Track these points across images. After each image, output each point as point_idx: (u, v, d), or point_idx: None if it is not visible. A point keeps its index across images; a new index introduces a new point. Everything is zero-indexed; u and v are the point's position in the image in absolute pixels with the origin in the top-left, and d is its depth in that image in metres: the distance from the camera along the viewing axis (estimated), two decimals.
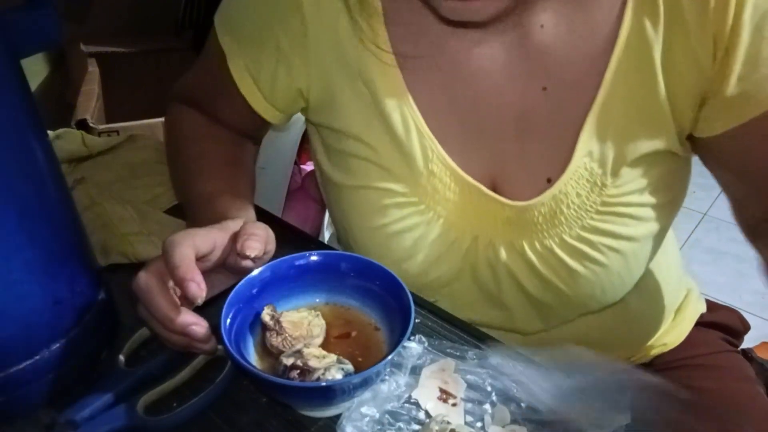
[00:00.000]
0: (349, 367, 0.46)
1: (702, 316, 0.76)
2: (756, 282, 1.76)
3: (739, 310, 0.79)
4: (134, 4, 1.76)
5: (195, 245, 0.48)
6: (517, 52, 0.55)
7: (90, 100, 1.33)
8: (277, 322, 0.49)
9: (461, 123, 0.58)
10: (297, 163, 1.22)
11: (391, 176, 0.59)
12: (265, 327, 0.50)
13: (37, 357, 0.47)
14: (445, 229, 0.59)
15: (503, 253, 0.59)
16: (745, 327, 0.78)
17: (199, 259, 0.49)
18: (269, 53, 0.61)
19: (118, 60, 1.63)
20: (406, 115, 0.57)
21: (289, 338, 0.49)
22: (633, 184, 0.56)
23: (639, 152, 0.54)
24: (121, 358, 0.52)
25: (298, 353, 0.46)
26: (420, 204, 0.59)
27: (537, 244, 0.57)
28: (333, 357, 0.47)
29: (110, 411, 0.47)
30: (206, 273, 0.48)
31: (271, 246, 0.54)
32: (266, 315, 0.50)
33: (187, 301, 0.47)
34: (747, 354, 0.85)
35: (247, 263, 0.51)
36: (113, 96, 1.51)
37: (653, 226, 0.58)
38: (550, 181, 0.56)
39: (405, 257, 0.60)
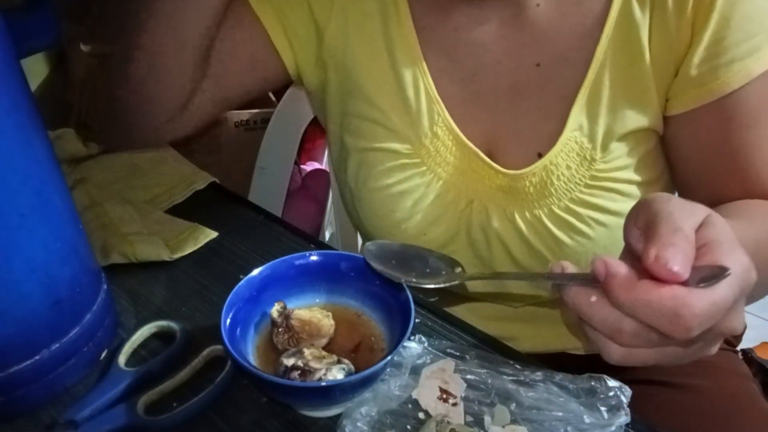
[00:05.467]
0: (350, 367, 0.46)
1: None
2: None
3: None
4: None
5: None
6: (512, 28, 0.59)
7: None
8: (286, 318, 0.49)
9: (463, 91, 0.61)
10: (297, 163, 1.22)
11: (397, 137, 0.63)
12: (273, 323, 0.50)
13: (37, 357, 0.47)
14: (443, 190, 0.62)
15: (495, 220, 0.61)
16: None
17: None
18: (298, 4, 0.64)
19: None
20: (417, 78, 0.61)
21: (296, 336, 0.49)
22: (620, 160, 0.58)
23: (627, 128, 0.57)
24: (121, 358, 0.52)
25: (299, 353, 0.46)
26: (422, 165, 0.62)
27: (527, 213, 0.60)
28: (334, 357, 0.47)
29: (110, 411, 0.47)
30: None
31: None
32: (275, 311, 0.50)
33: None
34: (747, 354, 0.85)
35: None
36: None
37: None
38: (540, 156, 0.59)
39: (405, 217, 0.64)
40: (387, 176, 0.63)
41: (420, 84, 0.61)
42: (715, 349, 0.39)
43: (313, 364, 0.45)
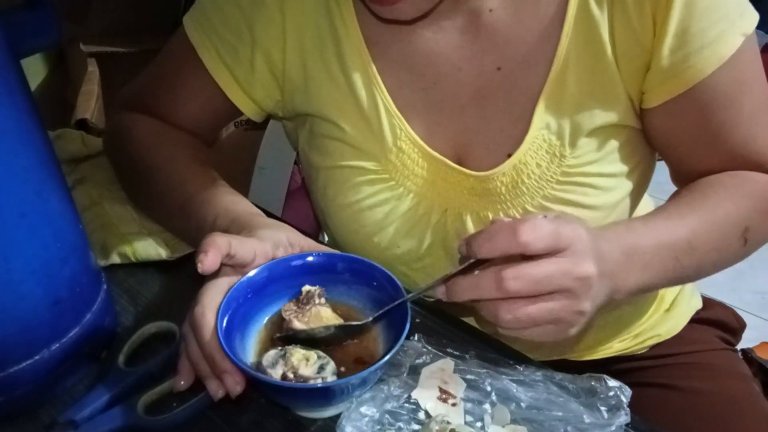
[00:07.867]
0: (330, 360, 0.46)
1: (697, 312, 0.76)
2: (756, 282, 1.77)
3: (739, 310, 0.80)
4: (134, 4, 1.76)
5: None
6: (469, 35, 0.59)
7: (90, 100, 1.33)
8: (312, 305, 0.50)
9: (425, 101, 0.62)
10: (297, 163, 1.22)
11: (363, 155, 0.63)
12: (301, 294, 0.50)
13: (37, 357, 0.47)
14: (414, 203, 0.62)
15: (470, 224, 0.62)
16: (741, 324, 0.78)
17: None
18: (246, 43, 0.64)
19: (118, 60, 1.63)
20: (375, 95, 0.61)
21: (301, 315, 0.49)
22: (591, 155, 0.59)
23: (595, 124, 0.58)
24: (121, 358, 0.52)
25: (283, 358, 0.46)
26: (390, 180, 0.62)
27: (501, 215, 0.61)
28: (312, 353, 0.46)
29: (110, 411, 0.47)
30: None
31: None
32: (316, 293, 0.50)
33: None
34: (747, 354, 0.85)
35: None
36: (113, 96, 1.50)
37: (615, 196, 0.61)
38: (509, 156, 0.59)
39: (376, 230, 0.64)
40: (355, 192, 0.63)
41: (378, 101, 0.61)
42: (588, 306, 0.45)
43: (303, 372, 0.45)
